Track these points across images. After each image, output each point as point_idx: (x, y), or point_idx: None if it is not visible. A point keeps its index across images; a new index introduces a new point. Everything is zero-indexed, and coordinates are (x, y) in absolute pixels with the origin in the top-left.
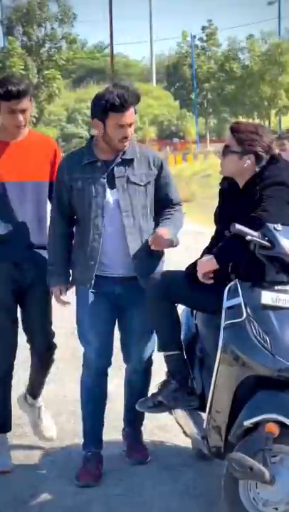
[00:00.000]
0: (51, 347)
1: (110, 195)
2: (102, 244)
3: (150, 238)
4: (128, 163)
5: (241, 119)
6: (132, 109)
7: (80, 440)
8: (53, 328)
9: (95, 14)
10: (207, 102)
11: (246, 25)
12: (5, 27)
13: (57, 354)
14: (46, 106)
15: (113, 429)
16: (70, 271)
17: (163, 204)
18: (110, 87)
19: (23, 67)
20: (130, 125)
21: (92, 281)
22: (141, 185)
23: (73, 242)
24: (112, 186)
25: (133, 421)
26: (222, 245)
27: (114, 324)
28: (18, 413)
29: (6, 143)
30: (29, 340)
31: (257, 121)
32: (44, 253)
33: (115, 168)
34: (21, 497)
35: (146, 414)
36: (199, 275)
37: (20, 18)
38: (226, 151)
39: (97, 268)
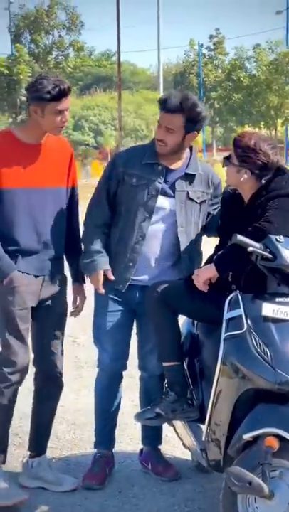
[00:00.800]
0: (61, 372)
1: (163, 203)
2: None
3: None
4: (190, 178)
5: (248, 128)
6: (174, 116)
7: (78, 451)
8: None
9: (102, 22)
10: (214, 110)
11: (253, 34)
12: (13, 34)
13: None
14: None
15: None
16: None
17: (210, 222)
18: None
19: (30, 74)
20: (169, 131)
21: (127, 284)
22: (197, 203)
23: (110, 239)
24: (167, 194)
25: (152, 437)
26: (222, 253)
27: (131, 330)
28: (16, 422)
29: (31, 146)
30: (38, 361)
31: (263, 130)
32: (61, 265)
33: (177, 181)
34: (18, 507)
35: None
36: (198, 282)
37: (28, 26)
38: (227, 162)
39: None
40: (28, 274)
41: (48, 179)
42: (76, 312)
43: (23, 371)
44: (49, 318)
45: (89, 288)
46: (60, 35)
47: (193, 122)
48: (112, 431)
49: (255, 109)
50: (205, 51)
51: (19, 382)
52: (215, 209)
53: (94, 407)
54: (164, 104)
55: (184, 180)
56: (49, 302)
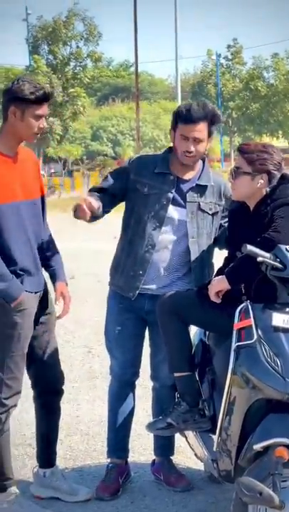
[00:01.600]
0: (61, 387)
1: (174, 213)
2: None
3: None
4: (201, 189)
5: (266, 137)
6: (200, 125)
7: (92, 461)
8: (68, 347)
9: (120, 33)
10: (232, 120)
11: (271, 43)
12: (31, 45)
13: (72, 374)
14: (71, 123)
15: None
16: (110, 277)
17: (221, 234)
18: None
19: (48, 85)
20: (196, 141)
21: (137, 292)
22: (209, 214)
23: (119, 247)
24: (178, 204)
25: (163, 448)
26: (233, 265)
27: (143, 338)
28: (28, 432)
29: (9, 157)
30: (40, 377)
31: (282, 140)
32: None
33: (189, 192)
34: None
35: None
36: (210, 294)
37: (46, 37)
38: (237, 172)
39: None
40: (30, 292)
41: (28, 191)
42: (64, 313)
43: (18, 394)
44: (46, 333)
45: (99, 299)
46: (77, 46)
47: (213, 125)
48: (125, 440)
49: (273, 118)
50: (223, 61)
51: (14, 406)
52: (226, 222)
53: (107, 415)
54: (186, 117)
55: (196, 191)
56: (44, 316)
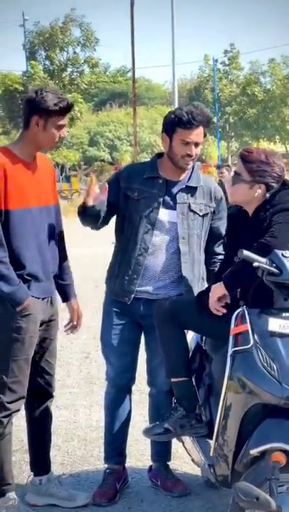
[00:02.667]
0: (52, 392)
1: (165, 215)
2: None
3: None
4: (191, 190)
5: (263, 142)
6: (200, 129)
7: (89, 467)
8: (66, 353)
9: (117, 38)
10: (229, 125)
11: (268, 49)
12: (28, 51)
13: (70, 380)
14: (68, 129)
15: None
16: (106, 284)
17: (211, 238)
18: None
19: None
20: (196, 144)
21: (132, 296)
22: (200, 215)
23: (114, 253)
24: (169, 206)
25: (160, 454)
26: (231, 271)
27: (139, 344)
28: (25, 438)
29: (27, 163)
30: (34, 382)
31: (279, 144)
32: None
33: (179, 193)
34: None
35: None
36: (211, 303)
37: (42, 43)
38: (236, 179)
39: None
40: (37, 298)
41: (43, 197)
42: (73, 328)
43: (22, 399)
44: (47, 340)
45: (97, 305)
46: (74, 52)
47: (205, 127)
48: (122, 445)
49: (270, 123)
50: (220, 66)
51: (18, 410)
52: (216, 226)
53: (104, 421)
54: (188, 121)
55: (186, 192)
56: (47, 323)
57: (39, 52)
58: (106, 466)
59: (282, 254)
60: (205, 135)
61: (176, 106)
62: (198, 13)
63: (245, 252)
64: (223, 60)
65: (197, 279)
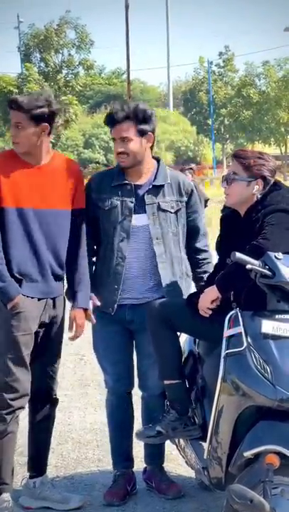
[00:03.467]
0: (55, 396)
1: (138, 220)
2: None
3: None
4: (159, 189)
5: (258, 144)
6: (124, 124)
7: (83, 469)
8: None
9: (112, 40)
10: (224, 127)
11: (262, 51)
12: (22, 53)
13: (64, 382)
14: (63, 131)
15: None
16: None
17: (190, 233)
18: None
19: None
20: (125, 140)
21: (115, 306)
22: (172, 213)
23: (95, 263)
24: (140, 211)
25: (153, 456)
26: (223, 273)
27: (131, 349)
28: (20, 441)
29: (31, 166)
30: (36, 383)
31: (273, 147)
32: (62, 287)
33: (146, 195)
34: None
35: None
36: (202, 306)
37: (37, 45)
38: (232, 178)
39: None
40: (31, 297)
41: (49, 200)
42: (74, 337)
43: (25, 396)
44: (49, 342)
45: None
46: (69, 54)
47: (143, 123)
48: (129, 449)
49: (265, 125)
50: (214, 68)
51: (21, 407)
52: (192, 219)
53: (108, 428)
54: (110, 120)
55: (153, 192)
56: (49, 325)
57: (34, 55)
58: (115, 471)
59: (275, 257)
60: (143, 132)
61: (171, 108)
62: (193, 15)
63: (238, 255)
64: (218, 62)
65: (179, 277)
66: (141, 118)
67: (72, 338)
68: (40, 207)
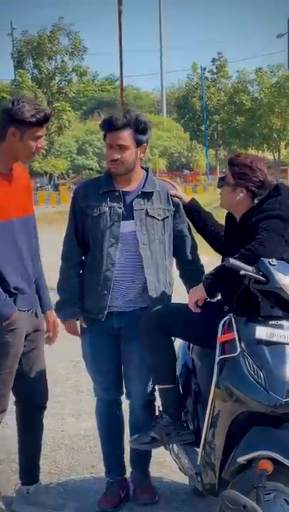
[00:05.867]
0: (45, 403)
1: (126, 226)
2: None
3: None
4: (147, 196)
5: (251, 150)
6: (123, 132)
7: (76, 475)
8: (53, 361)
9: (105, 47)
10: (217, 133)
11: (255, 57)
12: (16, 60)
13: (57, 388)
14: (56, 138)
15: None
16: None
17: (178, 243)
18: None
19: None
20: (122, 148)
21: (105, 312)
22: (159, 220)
23: (83, 271)
24: (129, 217)
25: (139, 461)
26: (212, 274)
27: (120, 357)
28: (13, 447)
29: (4, 174)
30: (25, 392)
31: (267, 153)
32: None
33: (134, 200)
34: None
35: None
36: (189, 304)
37: (30, 51)
38: (222, 182)
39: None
40: (23, 311)
41: (21, 208)
42: (51, 340)
43: (3, 412)
44: (35, 350)
45: None
46: (62, 61)
47: (141, 133)
48: (121, 457)
49: (258, 131)
50: (208, 75)
51: None
52: (180, 229)
53: (98, 436)
54: (108, 125)
55: (142, 198)
56: (33, 334)
57: (27, 61)
58: (108, 478)
59: (269, 263)
60: (139, 142)
61: (165, 114)
62: (187, 22)
63: (232, 261)
64: (211, 68)
65: (163, 284)
66: (141, 128)
67: (50, 342)
68: (20, 215)
